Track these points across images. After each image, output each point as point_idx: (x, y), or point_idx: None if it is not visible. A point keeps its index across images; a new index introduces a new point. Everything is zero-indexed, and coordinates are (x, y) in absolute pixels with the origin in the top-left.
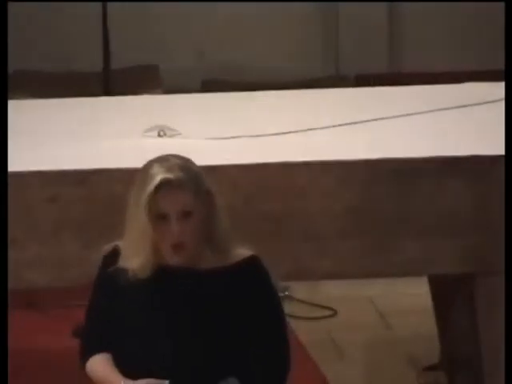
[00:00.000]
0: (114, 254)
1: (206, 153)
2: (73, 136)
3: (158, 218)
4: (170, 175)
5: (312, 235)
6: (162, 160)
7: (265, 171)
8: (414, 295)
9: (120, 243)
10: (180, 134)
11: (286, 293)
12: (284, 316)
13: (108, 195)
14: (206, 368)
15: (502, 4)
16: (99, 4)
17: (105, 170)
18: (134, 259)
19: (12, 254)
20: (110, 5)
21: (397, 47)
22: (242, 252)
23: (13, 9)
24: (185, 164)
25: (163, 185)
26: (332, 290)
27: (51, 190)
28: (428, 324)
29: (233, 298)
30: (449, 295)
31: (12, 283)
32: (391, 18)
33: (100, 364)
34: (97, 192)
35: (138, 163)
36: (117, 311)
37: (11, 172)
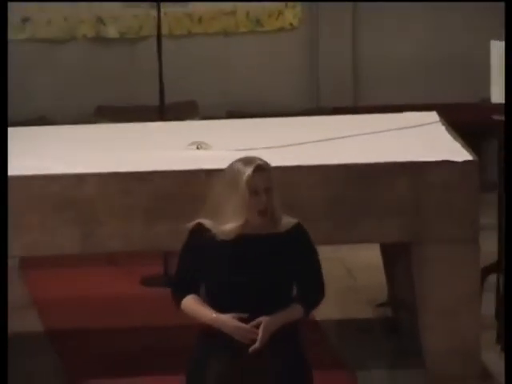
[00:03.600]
0: (198, 228)
1: (230, 160)
2: (138, 148)
3: (251, 193)
4: (259, 162)
5: (302, 215)
6: (243, 158)
7: None
8: (370, 256)
9: (203, 220)
10: (212, 147)
11: None
12: (320, 262)
13: (163, 189)
14: (272, 301)
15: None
16: (155, 57)
17: (161, 171)
18: (232, 224)
19: (96, 229)
20: (164, 59)
21: (360, 87)
22: (290, 220)
23: (100, 62)
24: (260, 158)
25: (257, 169)
26: None
27: (124, 184)
28: (380, 276)
29: (286, 254)
30: (393, 256)
31: (97, 249)
32: (356, 65)
33: (193, 301)
34: (155, 186)
35: (183, 167)
36: (206, 263)
37: (96, 173)
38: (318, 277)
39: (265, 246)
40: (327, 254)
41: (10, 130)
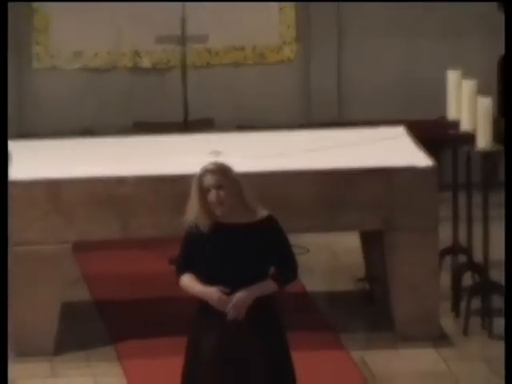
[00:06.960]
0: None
1: (240, 165)
2: (166, 155)
3: (206, 190)
4: (208, 167)
5: (295, 208)
6: (210, 163)
7: (269, 175)
8: (351, 241)
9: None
10: (225, 154)
11: None
12: (291, 247)
13: (186, 189)
14: (245, 280)
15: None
16: (180, 83)
17: (185, 175)
18: (194, 215)
19: (133, 220)
20: (188, 85)
21: (344, 106)
22: (263, 212)
23: (137, 88)
24: (219, 164)
25: (205, 172)
26: (306, 238)
27: (155, 185)
28: (359, 257)
29: (258, 239)
30: (370, 241)
31: (134, 235)
32: (340, 89)
33: (187, 278)
34: (180, 187)
35: None
36: (194, 249)
37: (133, 175)
38: (290, 259)
39: (239, 233)
40: (316, 240)
41: (65, 142)
